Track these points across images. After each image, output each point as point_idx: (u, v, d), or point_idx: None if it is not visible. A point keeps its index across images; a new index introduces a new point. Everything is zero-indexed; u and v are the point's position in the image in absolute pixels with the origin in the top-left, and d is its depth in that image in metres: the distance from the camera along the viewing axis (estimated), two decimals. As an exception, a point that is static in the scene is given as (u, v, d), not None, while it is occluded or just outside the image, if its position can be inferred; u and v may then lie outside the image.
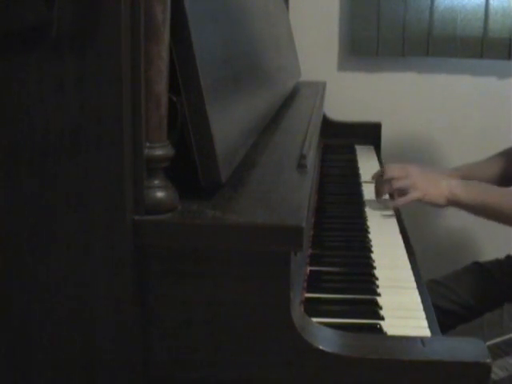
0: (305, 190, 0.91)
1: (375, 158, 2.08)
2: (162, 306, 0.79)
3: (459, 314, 1.58)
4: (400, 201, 1.44)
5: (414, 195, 1.42)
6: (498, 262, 1.69)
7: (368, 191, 1.68)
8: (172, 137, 0.80)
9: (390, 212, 1.49)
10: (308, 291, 1.08)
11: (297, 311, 0.82)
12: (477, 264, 1.70)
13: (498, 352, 1.31)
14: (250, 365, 0.80)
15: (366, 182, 1.62)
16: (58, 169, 0.75)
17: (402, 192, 1.46)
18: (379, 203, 1.52)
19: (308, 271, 1.17)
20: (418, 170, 1.48)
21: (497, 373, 1.30)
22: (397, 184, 1.46)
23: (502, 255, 1.71)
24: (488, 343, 1.31)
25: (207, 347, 0.80)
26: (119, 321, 0.78)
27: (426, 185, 1.42)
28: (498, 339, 1.33)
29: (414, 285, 1.15)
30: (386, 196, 1.56)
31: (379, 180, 1.52)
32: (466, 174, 1.78)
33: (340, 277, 1.18)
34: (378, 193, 1.53)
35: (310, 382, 0.80)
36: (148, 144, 0.76)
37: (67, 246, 0.77)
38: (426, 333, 0.97)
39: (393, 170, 1.49)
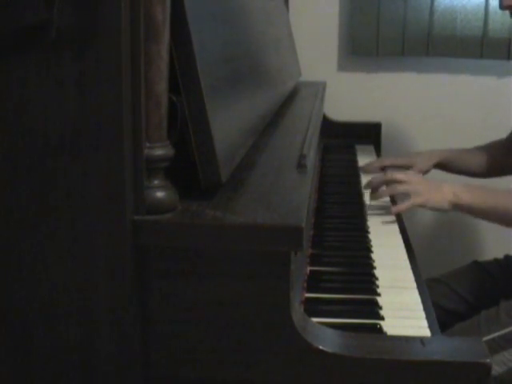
0: (305, 190, 0.91)
1: (375, 158, 2.08)
2: (162, 305, 0.79)
3: (458, 313, 1.59)
4: (402, 206, 1.40)
5: (416, 200, 1.39)
6: (496, 262, 1.69)
7: (368, 191, 1.68)
8: (172, 137, 0.80)
9: (392, 217, 1.46)
10: (308, 291, 1.08)
11: (297, 311, 0.82)
12: (476, 263, 1.71)
13: (495, 347, 1.31)
14: (250, 365, 0.80)
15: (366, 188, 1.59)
16: (58, 169, 0.75)
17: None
18: (373, 199, 1.49)
19: (308, 271, 1.17)
20: (419, 176, 1.47)
21: (494, 368, 1.30)
22: (399, 188, 1.43)
23: (501, 255, 1.71)
24: (485, 338, 1.31)
25: (207, 347, 0.80)
26: (119, 321, 0.78)
27: (428, 190, 1.40)
28: (495, 334, 1.33)
29: (414, 285, 1.15)
30: (387, 199, 1.55)
31: (378, 181, 1.50)
32: (451, 158, 1.83)
33: (340, 277, 1.18)
34: (376, 193, 1.49)
35: (310, 382, 0.80)
36: (148, 144, 0.76)
37: (67, 246, 0.77)
38: (426, 333, 0.97)
39: (394, 174, 1.48)
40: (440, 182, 1.44)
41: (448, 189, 1.40)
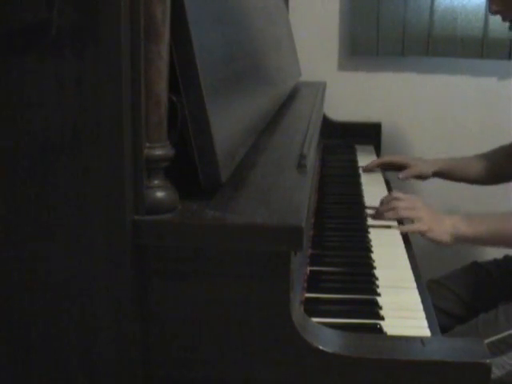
0: (305, 190, 0.91)
1: (375, 158, 2.08)
2: (162, 305, 0.79)
3: (458, 315, 1.59)
4: (404, 228, 1.41)
5: (419, 227, 1.40)
6: (496, 262, 1.70)
7: (368, 190, 1.68)
8: (172, 137, 0.80)
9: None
10: (308, 291, 1.08)
11: (297, 311, 0.82)
12: (476, 264, 1.71)
13: (494, 351, 1.31)
14: (250, 365, 0.80)
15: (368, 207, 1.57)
16: (58, 169, 0.75)
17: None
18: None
19: (308, 271, 1.17)
20: (424, 205, 1.47)
21: (494, 372, 1.30)
22: (403, 213, 1.43)
23: (500, 255, 1.71)
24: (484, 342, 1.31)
25: (207, 347, 0.80)
26: (119, 320, 0.78)
27: (431, 220, 1.40)
28: (494, 338, 1.33)
29: (414, 285, 1.15)
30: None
31: (384, 208, 1.48)
32: (452, 166, 1.83)
33: (340, 277, 1.18)
34: (380, 216, 1.47)
35: (310, 382, 0.80)
36: (148, 144, 0.76)
37: (67, 246, 0.77)
38: (426, 333, 0.97)
39: (400, 199, 1.47)
40: (442, 214, 1.43)
41: (448, 221, 1.40)
